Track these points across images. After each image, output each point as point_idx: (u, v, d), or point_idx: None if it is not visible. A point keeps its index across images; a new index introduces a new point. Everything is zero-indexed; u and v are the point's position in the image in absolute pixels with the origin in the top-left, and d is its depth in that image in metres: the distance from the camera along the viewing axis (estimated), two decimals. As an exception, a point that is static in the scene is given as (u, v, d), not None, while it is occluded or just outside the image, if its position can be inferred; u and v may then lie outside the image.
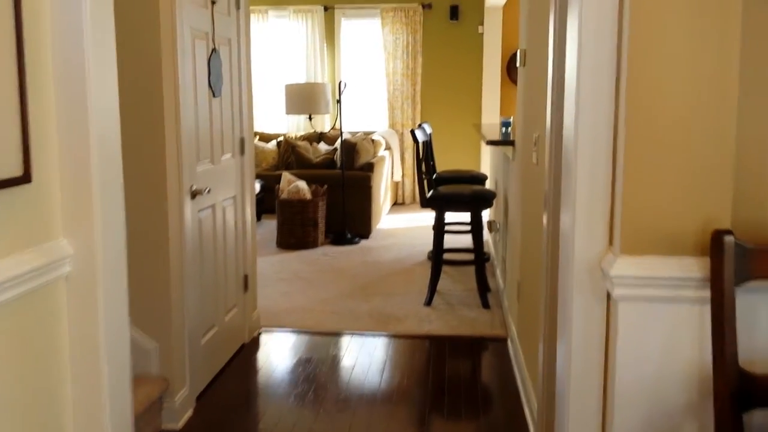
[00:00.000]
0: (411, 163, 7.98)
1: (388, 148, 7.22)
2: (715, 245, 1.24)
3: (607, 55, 1.35)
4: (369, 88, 8.07)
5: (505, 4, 7.42)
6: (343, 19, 8.00)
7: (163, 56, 2.50)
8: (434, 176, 4.74)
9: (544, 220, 2.23)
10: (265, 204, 6.62)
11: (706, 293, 1.29)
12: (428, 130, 4.97)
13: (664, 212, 1.33)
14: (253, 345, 3.53)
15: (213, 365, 3.10)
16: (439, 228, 4.14)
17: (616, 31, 1.35)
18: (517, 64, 3.22)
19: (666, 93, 1.32)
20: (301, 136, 7.69)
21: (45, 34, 1.50)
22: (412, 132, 4.17)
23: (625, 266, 1.33)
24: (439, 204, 4.08)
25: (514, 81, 7.70)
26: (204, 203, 2.91)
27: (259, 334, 3.68)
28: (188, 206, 2.72)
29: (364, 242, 5.88)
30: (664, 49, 1.31)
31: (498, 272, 4.58)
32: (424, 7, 7.71)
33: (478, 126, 5.71)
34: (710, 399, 1.33)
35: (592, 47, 1.35)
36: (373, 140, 6.61)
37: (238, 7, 3.29)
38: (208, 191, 2.86)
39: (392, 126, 7.94)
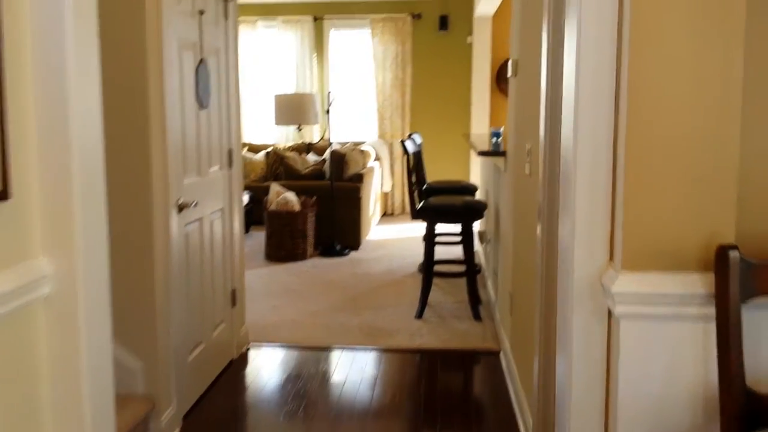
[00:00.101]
0: (400, 173, 7.95)
1: (377, 158, 7.18)
2: (719, 261, 1.21)
3: (606, 64, 1.32)
4: (358, 99, 8.04)
5: (494, 15, 7.44)
6: (332, 29, 7.98)
7: (148, 67, 2.45)
8: (424, 187, 4.70)
9: (538, 232, 2.19)
10: (254, 215, 6.55)
11: (711, 310, 1.25)
12: (418, 140, 4.94)
13: (666, 227, 1.30)
14: (242, 361, 3.46)
15: (200, 383, 3.02)
16: (430, 240, 4.10)
17: (615, 40, 1.32)
18: (509, 74, 3.20)
19: (667, 103, 1.29)
20: (290, 147, 7.64)
21: (24, 45, 1.44)
22: (403, 143, 4.13)
23: (626, 283, 1.29)
24: (429, 215, 4.04)
25: (504, 91, 7.71)
26: (191, 217, 2.85)
27: (248, 349, 3.61)
28: (174, 220, 2.66)
29: (353, 254, 5.83)
30: (665, 58, 1.28)
31: (489, 284, 4.54)
32: (413, 17, 7.71)
33: (468, 136, 5.69)
34: (716, 419, 1.29)
35: (590, 57, 1.32)
36: (362, 151, 6.58)
37: (226, 17, 3.25)
38: (195, 204, 2.80)
39: (382, 136, 7.91)
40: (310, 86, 7.94)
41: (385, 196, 7.87)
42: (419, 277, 4.90)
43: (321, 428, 2.74)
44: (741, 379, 1.20)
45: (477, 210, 4.02)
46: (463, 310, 4.18)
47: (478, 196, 5.56)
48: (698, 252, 1.29)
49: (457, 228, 5.47)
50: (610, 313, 1.37)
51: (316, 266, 5.41)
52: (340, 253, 5.76)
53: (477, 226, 5.59)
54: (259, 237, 6.40)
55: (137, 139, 2.48)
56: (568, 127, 1.41)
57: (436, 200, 4.11)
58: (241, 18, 7.68)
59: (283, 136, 8.09)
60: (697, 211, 1.29)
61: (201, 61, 2.90)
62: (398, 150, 7.89)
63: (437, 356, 3.51)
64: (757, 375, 1.30)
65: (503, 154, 3.53)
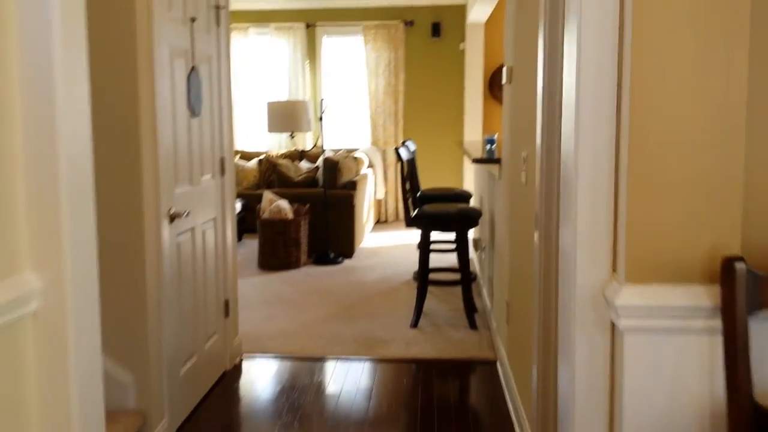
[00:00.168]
0: (394, 180, 7.92)
1: (370, 165, 7.15)
2: (725, 273, 1.18)
3: (607, 71, 1.30)
4: (351, 106, 8.02)
5: (487, 21, 7.45)
6: (324, 36, 7.96)
7: (139, 75, 2.41)
8: (418, 194, 4.67)
9: (536, 241, 2.16)
10: (246, 223, 6.50)
11: (717, 323, 1.23)
12: (412, 147, 4.92)
13: (670, 238, 1.27)
14: (235, 372, 3.41)
15: (193, 396, 2.97)
16: (425, 248, 4.07)
17: (616, 48, 1.30)
18: (503, 82, 3.18)
19: (670, 111, 1.26)
20: (283, 154, 7.60)
21: (10, 52, 1.40)
22: (397, 150, 4.11)
23: (630, 296, 1.26)
24: (424, 223, 4.01)
25: (497, 98, 7.71)
26: (183, 227, 2.81)
27: (241, 360, 3.55)
28: (166, 230, 2.62)
29: (347, 262, 5.79)
30: (667, 65, 1.26)
31: (484, 291, 4.51)
32: (405, 24, 7.71)
33: (461, 143, 5.67)
34: (723, 434, 1.26)
35: (591, 64, 1.30)
36: (355, 158, 6.55)
37: (218, 24, 3.22)
38: (187, 214, 2.76)
39: (375, 143, 7.89)
40: (303, 93, 7.92)
41: (378, 203, 7.84)
42: (414, 285, 4.87)
43: (316, 441, 2.69)
44: (748, 393, 1.17)
45: (472, 218, 3.99)
46: (458, 319, 4.15)
47: (473, 203, 5.54)
48: (703, 263, 1.27)
49: (451, 235, 5.46)
50: (613, 326, 1.34)
51: (309, 274, 5.37)
52: (334, 261, 5.72)
53: (471, 233, 5.57)
54: (252, 245, 6.35)
55: (128, 149, 2.44)
56: (569, 135, 1.38)
57: (430, 208, 4.09)
58: (233, 25, 7.66)
59: (275, 143, 8.06)
60: (702, 221, 1.26)
61: (193, 68, 2.87)
62: (391, 157, 7.87)
63: (433, 366, 3.47)
64: (765, 388, 1.27)
65: (498, 161, 3.51)
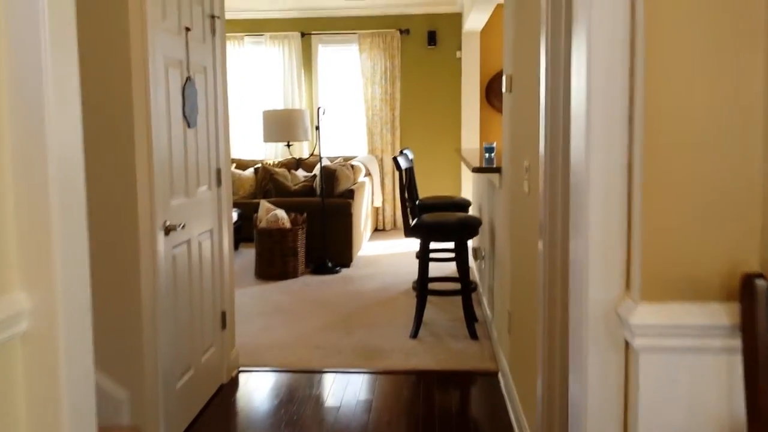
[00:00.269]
0: (391, 188, 7.89)
1: (367, 174, 7.12)
2: (745, 290, 1.14)
3: (619, 78, 1.26)
4: (347, 114, 7.99)
5: (483, 29, 7.45)
6: (320, 45, 7.94)
7: (134, 86, 2.37)
8: (417, 203, 4.63)
9: (540, 250, 2.12)
10: (243, 232, 6.45)
11: (736, 342, 1.19)
12: (410, 156, 4.89)
13: (687, 255, 1.23)
14: (232, 385, 3.35)
15: (189, 410, 2.91)
16: (424, 258, 4.03)
17: (628, 53, 1.26)
18: (503, 90, 3.15)
19: (686, 121, 1.22)
20: (279, 163, 7.56)
21: None
22: (395, 159, 4.07)
23: (646, 314, 1.22)
24: (423, 233, 3.97)
25: (494, 105, 7.70)
26: (178, 239, 2.76)
27: (238, 373, 3.50)
28: (161, 243, 2.57)
29: (345, 271, 5.74)
30: (682, 75, 1.22)
31: (484, 301, 4.46)
32: (401, 32, 7.69)
33: (459, 151, 5.64)
34: (741, 455, 1.22)
35: (602, 70, 1.26)
36: (352, 166, 6.51)
37: (213, 34, 3.18)
38: (183, 226, 2.71)
39: (371, 151, 7.86)
40: (299, 102, 7.89)
41: (376, 211, 7.80)
42: (413, 294, 4.82)
43: (316, 457, 2.64)
44: None
45: (472, 227, 3.95)
46: (458, 329, 4.10)
47: (471, 211, 5.50)
48: (721, 280, 1.22)
49: (450, 244, 5.41)
50: (627, 344, 1.30)
51: (307, 284, 5.32)
52: (332, 271, 5.67)
53: (471, 241, 5.53)
54: (248, 254, 6.30)
55: (122, 161, 2.39)
56: (579, 145, 1.34)
57: (429, 217, 4.05)
58: (228, 34, 7.63)
59: (272, 152, 8.02)
60: (719, 236, 1.22)
61: (188, 79, 2.83)
62: (388, 165, 7.84)
63: (434, 377, 3.42)
64: (783, 407, 1.23)
65: (498, 170, 3.48)
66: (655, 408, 1.24)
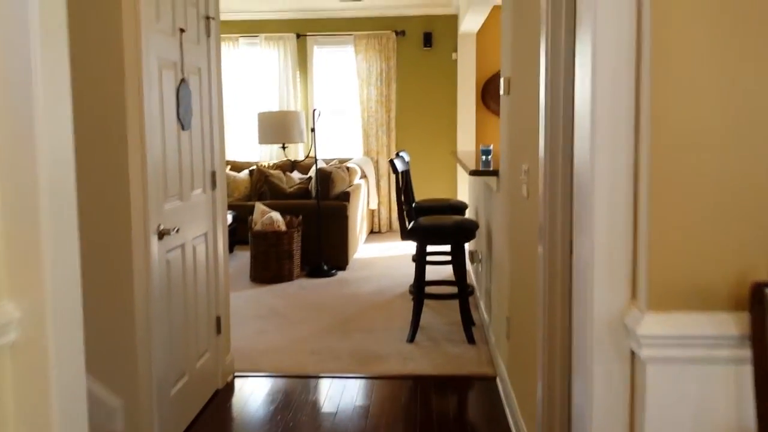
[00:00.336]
0: (387, 191, 7.86)
1: (363, 176, 7.08)
2: (754, 300, 1.11)
3: (625, 82, 1.23)
4: (343, 116, 7.96)
5: (479, 31, 7.43)
6: (315, 46, 7.91)
7: (127, 88, 2.33)
8: (413, 206, 4.60)
9: (540, 255, 2.10)
10: (238, 235, 6.40)
11: (745, 352, 1.16)
12: (406, 158, 4.86)
13: (694, 262, 1.20)
14: (227, 391, 3.31)
15: (184, 417, 2.87)
16: (421, 261, 3.99)
17: (634, 56, 1.23)
18: (501, 93, 3.12)
19: (693, 125, 1.19)
20: (274, 165, 7.52)
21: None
22: (392, 162, 4.04)
23: (653, 325, 1.18)
24: (420, 236, 3.94)
25: (490, 107, 7.68)
26: (172, 243, 2.72)
27: (234, 378, 3.46)
28: (155, 248, 2.53)
29: (341, 274, 5.70)
30: (690, 75, 1.19)
31: (481, 305, 4.43)
32: (397, 34, 7.67)
33: (455, 154, 5.61)
34: (749, 467, 1.19)
35: (607, 73, 1.22)
36: (348, 168, 6.48)
37: (208, 35, 3.14)
38: (177, 230, 2.67)
39: (367, 153, 7.82)
40: (294, 104, 7.85)
41: (371, 213, 7.77)
42: (409, 298, 4.78)
43: (312, 465, 2.60)
44: (777, 424, 1.10)
45: (469, 230, 3.92)
46: (455, 333, 4.07)
47: (468, 214, 5.48)
48: (729, 290, 1.19)
49: (446, 246, 5.38)
50: (633, 354, 1.27)
51: (303, 287, 5.28)
52: (328, 274, 5.63)
53: (467, 244, 5.50)
54: (243, 257, 6.25)
55: (115, 164, 2.35)
56: (583, 151, 1.31)
57: (426, 221, 4.01)
58: (223, 35, 7.59)
59: (267, 154, 7.97)
60: (728, 243, 1.19)
61: (182, 80, 2.79)
62: (384, 167, 7.81)
63: (431, 382, 3.38)
64: (793, 418, 1.20)
65: (495, 173, 3.45)
66: (662, 420, 1.21)
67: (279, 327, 4.26)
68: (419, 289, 3.99)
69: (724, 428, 1.21)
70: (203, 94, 3.08)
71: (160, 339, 2.58)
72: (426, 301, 4.60)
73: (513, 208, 2.93)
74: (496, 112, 7.60)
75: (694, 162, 1.20)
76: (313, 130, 5.76)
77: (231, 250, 6.44)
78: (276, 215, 5.50)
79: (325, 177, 5.90)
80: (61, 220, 1.39)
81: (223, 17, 7.42)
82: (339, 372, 3.50)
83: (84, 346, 1.47)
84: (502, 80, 3.09)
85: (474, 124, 7.62)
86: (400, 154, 4.79)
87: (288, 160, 7.47)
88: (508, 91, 2.98)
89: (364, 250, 6.79)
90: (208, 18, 3.13)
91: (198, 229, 3.02)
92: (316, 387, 3.35)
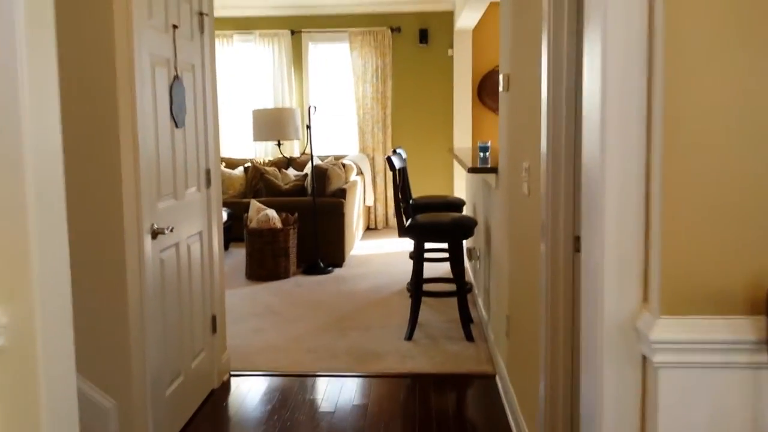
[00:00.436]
0: (383, 187, 7.82)
1: (359, 173, 7.05)
2: (772, 304, 1.08)
3: (636, 80, 1.19)
4: (338, 113, 7.91)
5: (475, 28, 7.39)
6: (310, 43, 7.85)
7: (118, 85, 2.29)
8: (411, 203, 4.57)
9: (542, 253, 2.06)
10: (233, 232, 6.35)
11: (762, 357, 1.13)
12: (403, 155, 4.82)
13: (709, 265, 1.16)
14: (224, 390, 3.27)
15: (180, 417, 2.84)
16: (419, 259, 3.96)
17: (645, 53, 1.19)
18: (500, 89, 3.09)
19: (708, 125, 1.15)
20: (269, 162, 7.47)
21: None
22: (389, 159, 4.00)
23: (666, 330, 1.15)
24: (418, 234, 3.91)
25: (486, 104, 7.64)
26: (166, 242, 2.68)
27: (230, 377, 3.42)
28: (148, 247, 2.49)
29: (338, 271, 5.67)
30: (705, 73, 1.14)
31: (480, 302, 4.41)
32: (392, 30, 7.62)
33: (452, 151, 5.58)
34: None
35: (617, 72, 1.19)
36: (344, 165, 6.44)
37: (202, 32, 3.10)
38: (171, 229, 2.63)
39: (363, 150, 7.78)
40: (289, 100, 7.80)
41: (367, 210, 7.73)
42: (406, 295, 4.76)
43: (310, 466, 2.57)
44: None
45: (467, 227, 3.89)
46: (454, 330, 4.04)
47: (466, 211, 5.45)
48: (745, 293, 1.16)
49: (444, 244, 5.35)
50: (644, 359, 1.24)
51: (299, 285, 5.24)
52: (324, 271, 5.60)
53: (466, 242, 5.47)
54: (239, 254, 6.21)
55: (107, 163, 2.31)
56: (593, 151, 1.27)
57: (424, 218, 3.98)
58: (217, 32, 7.52)
59: (262, 150, 7.93)
60: (744, 248, 1.15)
61: (175, 77, 2.74)
62: (380, 164, 7.77)
63: (430, 380, 3.36)
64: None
65: (493, 170, 3.42)
66: (675, 426, 1.18)
67: (275, 325, 4.22)
68: (417, 286, 3.96)
69: (741, 433, 1.18)
70: (197, 92, 3.04)
71: (154, 339, 2.55)
72: (423, 299, 4.57)
73: (513, 205, 2.89)
74: (493, 109, 7.57)
75: (708, 163, 1.16)
76: (308, 126, 5.72)
77: (226, 247, 6.39)
78: (272, 212, 5.46)
79: (321, 174, 5.86)
80: (50, 223, 1.35)
81: (217, 14, 7.34)
82: (336, 370, 3.48)
83: (75, 347, 1.44)
84: (501, 77, 3.06)
85: (470, 121, 7.59)
86: (397, 151, 4.76)
87: (283, 157, 7.42)
88: (507, 88, 2.95)
89: (360, 247, 6.75)
90: (201, 14, 3.08)
91: (192, 228, 2.98)
92: (313, 386, 3.32)
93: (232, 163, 7.51)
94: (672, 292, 1.16)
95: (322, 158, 7.49)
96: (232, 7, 7.60)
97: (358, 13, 7.64)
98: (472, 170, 3.53)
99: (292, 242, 5.51)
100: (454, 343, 3.85)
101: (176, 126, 2.76)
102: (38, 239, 1.30)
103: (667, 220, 1.16)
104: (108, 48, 2.27)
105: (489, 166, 3.52)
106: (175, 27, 2.75)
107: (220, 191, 3.33)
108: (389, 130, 7.74)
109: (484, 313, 4.13)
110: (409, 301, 4.11)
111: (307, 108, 6.01)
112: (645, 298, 1.23)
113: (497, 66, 7.08)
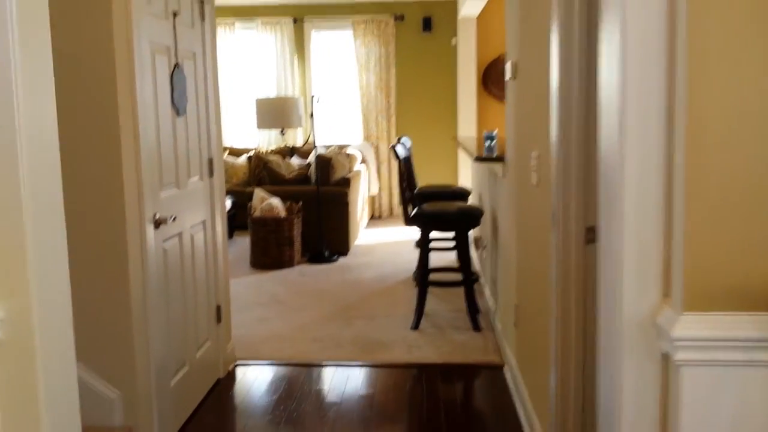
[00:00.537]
0: (387, 176, 7.78)
1: (363, 161, 7.00)
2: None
3: (657, 72, 1.14)
4: (342, 101, 7.85)
5: (479, 15, 7.29)
6: (313, 31, 7.78)
7: (118, 74, 2.25)
8: (416, 192, 4.53)
9: (553, 243, 2.02)
10: (237, 220, 6.32)
11: (788, 355, 1.09)
12: (408, 144, 4.77)
13: (733, 262, 1.12)
14: (229, 380, 3.26)
15: (185, 407, 2.82)
16: (425, 248, 3.93)
17: (666, 44, 1.15)
18: (507, 77, 3.03)
19: (733, 118, 1.10)
20: (273, 151, 7.43)
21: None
22: (394, 148, 3.96)
23: (689, 326, 1.11)
24: (424, 223, 3.87)
25: (491, 93, 7.56)
26: (169, 232, 2.65)
27: (235, 367, 3.41)
28: (151, 237, 2.46)
29: (342, 260, 5.64)
30: (730, 65, 1.09)
31: (487, 291, 4.37)
32: (396, 18, 7.54)
33: (459, 140, 5.52)
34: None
35: (637, 65, 1.14)
36: (348, 154, 6.39)
37: (202, 19, 3.05)
38: (174, 219, 2.60)
39: (367, 139, 7.73)
40: (292, 89, 7.74)
41: (372, 199, 7.70)
42: (412, 284, 4.73)
43: (316, 456, 2.56)
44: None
45: (474, 217, 3.85)
46: (461, 320, 4.01)
47: (471, 200, 5.40)
48: (768, 290, 1.12)
49: (450, 233, 5.31)
50: (664, 357, 1.20)
51: (304, 274, 5.22)
52: (329, 260, 5.58)
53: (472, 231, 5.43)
54: (243, 243, 6.19)
55: (107, 152, 2.28)
56: (611, 145, 1.23)
57: (430, 207, 3.94)
58: (219, 19, 7.45)
59: (265, 139, 7.88)
60: (767, 243, 1.11)
61: (176, 65, 2.70)
62: (384, 152, 7.72)
63: (437, 371, 3.33)
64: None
65: (500, 159, 3.37)
66: (698, 425, 1.15)
67: (280, 314, 4.21)
68: (423, 275, 3.93)
69: (766, 432, 1.15)
70: (198, 80, 3.00)
71: (158, 329, 2.53)
72: (430, 288, 4.54)
73: (521, 194, 2.85)
74: (498, 97, 7.49)
75: (731, 159, 1.12)
76: (312, 115, 5.67)
77: (230, 235, 6.38)
78: (276, 201, 5.43)
79: (325, 163, 5.82)
80: (47, 216, 1.32)
81: (218, 2, 7.28)
82: (342, 360, 3.46)
83: (78, 339, 1.41)
84: (508, 64, 3.00)
85: (475, 110, 7.51)
86: (402, 140, 4.71)
87: (287, 146, 7.38)
88: (515, 76, 2.89)
89: (365, 235, 6.72)
90: (202, 1, 3.04)
91: (196, 217, 2.95)
92: (319, 375, 3.30)
93: (235, 152, 7.47)
94: (695, 289, 1.13)
95: (326, 147, 7.44)
96: (234, -6, 7.53)
97: (361, 1, 7.56)
98: (479, 159, 3.49)
99: (297, 231, 5.48)
100: (461, 332, 3.82)
101: (177, 114, 2.72)
102: (35, 232, 1.27)
103: (690, 216, 1.12)
104: (107, 35, 2.22)
105: (496, 155, 3.47)
106: (175, 14, 2.70)
107: (223, 180, 3.30)
108: (393, 119, 7.68)
109: (491, 303, 4.10)
110: (415, 290, 4.08)
111: (311, 97, 5.96)
112: (665, 293, 1.19)
113: (502, 54, 6.99)
